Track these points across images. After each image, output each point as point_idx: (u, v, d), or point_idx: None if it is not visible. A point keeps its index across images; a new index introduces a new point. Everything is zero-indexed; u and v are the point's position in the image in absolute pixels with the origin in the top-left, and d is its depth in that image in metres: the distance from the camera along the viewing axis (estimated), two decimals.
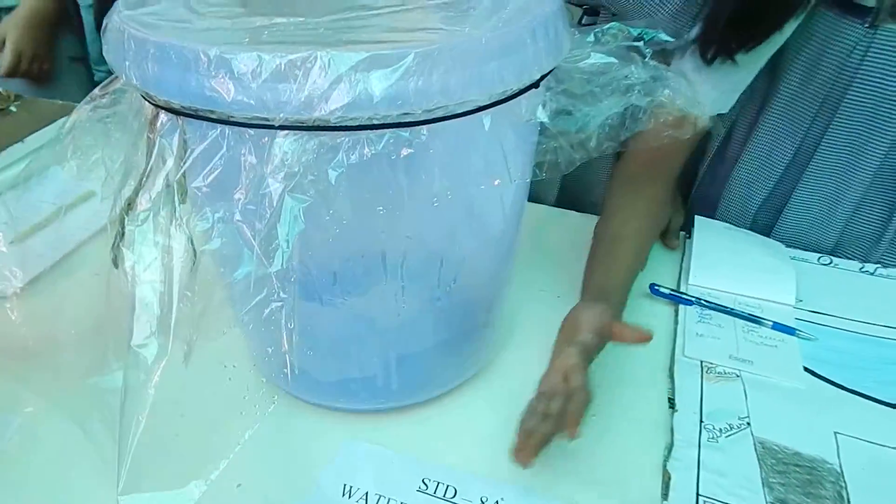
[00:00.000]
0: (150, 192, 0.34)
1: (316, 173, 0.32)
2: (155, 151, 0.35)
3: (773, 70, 0.63)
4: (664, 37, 0.49)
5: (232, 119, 0.32)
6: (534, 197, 0.81)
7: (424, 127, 0.33)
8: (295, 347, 0.35)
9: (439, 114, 0.33)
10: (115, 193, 0.38)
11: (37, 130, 0.83)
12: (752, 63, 0.58)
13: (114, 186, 0.39)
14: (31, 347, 0.58)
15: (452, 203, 0.37)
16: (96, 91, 0.40)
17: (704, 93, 0.59)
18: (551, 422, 0.42)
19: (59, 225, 0.67)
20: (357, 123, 0.32)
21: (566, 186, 0.81)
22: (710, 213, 0.74)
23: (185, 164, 0.34)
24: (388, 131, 0.33)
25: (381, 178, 0.34)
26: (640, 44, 0.47)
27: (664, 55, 0.57)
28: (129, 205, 0.38)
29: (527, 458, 0.41)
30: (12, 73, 1.01)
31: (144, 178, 0.35)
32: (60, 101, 0.92)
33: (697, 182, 0.76)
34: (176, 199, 0.34)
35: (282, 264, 0.31)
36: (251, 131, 0.33)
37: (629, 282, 0.58)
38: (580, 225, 0.74)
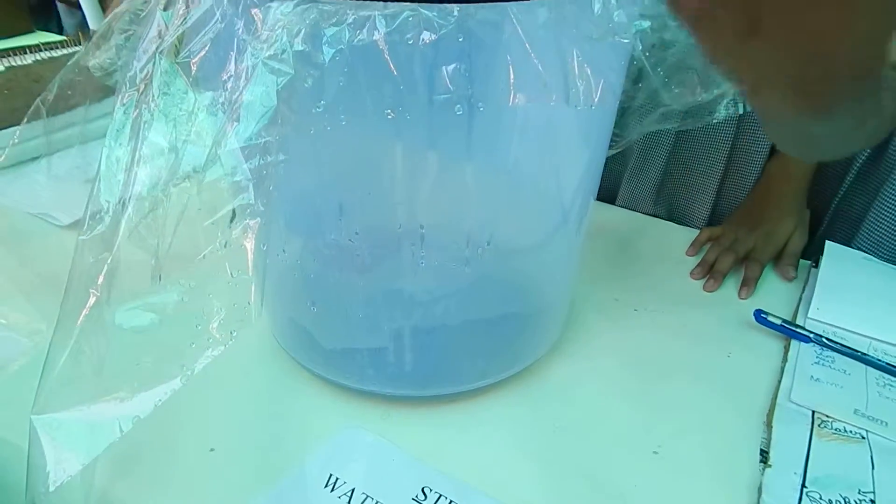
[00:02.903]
0: (138, 64, 0.29)
1: (306, 47, 0.25)
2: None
3: None
4: None
5: None
6: (628, 204, 0.71)
7: (456, 7, 0.26)
8: (276, 289, 0.27)
9: None
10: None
11: None
12: None
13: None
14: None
15: (487, 120, 0.29)
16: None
17: None
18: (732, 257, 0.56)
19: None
20: None
21: (664, 194, 0.70)
22: (849, 236, 0.60)
23: (181, 26, 0.28)
24: (406, 5, 0.26)
25: (390, 70, 0.27)
26: None
27: None
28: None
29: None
30: None
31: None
32: None
33: (840, 195, 0.62)
34: (158, 73, 0.29)
35: (246, 139, 0.24)
36: None
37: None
38: (677, 238, 0.64)
